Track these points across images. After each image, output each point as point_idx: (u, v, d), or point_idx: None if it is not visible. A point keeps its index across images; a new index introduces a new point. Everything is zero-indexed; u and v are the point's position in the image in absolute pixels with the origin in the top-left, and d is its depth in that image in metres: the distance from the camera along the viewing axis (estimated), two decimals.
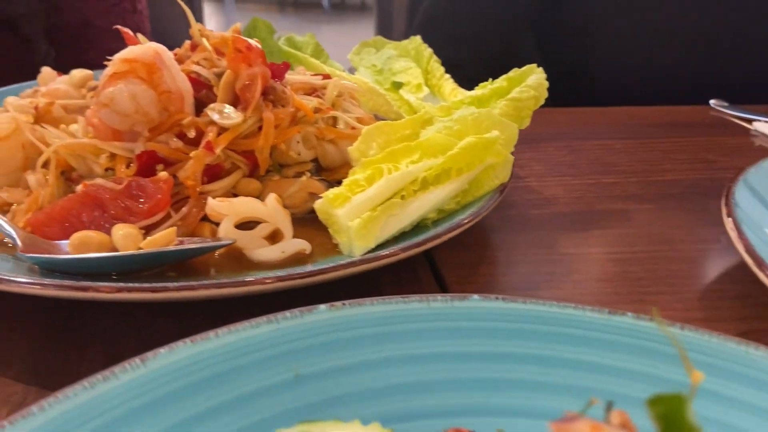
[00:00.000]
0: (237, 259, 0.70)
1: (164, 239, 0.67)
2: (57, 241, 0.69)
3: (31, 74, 1.59)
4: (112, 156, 0.76)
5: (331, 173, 0.84)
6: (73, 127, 0.82)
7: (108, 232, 0.71)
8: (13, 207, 0.75)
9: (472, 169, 0.75)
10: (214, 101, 0.80)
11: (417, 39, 1.18)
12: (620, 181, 1.05)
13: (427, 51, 1.16)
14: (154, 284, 0.56)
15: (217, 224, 0.74)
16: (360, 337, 0.52)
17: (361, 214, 0.69)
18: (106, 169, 0.76)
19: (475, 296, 0.54)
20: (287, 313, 0.52)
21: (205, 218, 0.74)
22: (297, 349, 0.51)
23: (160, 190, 0.72)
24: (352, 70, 1.19)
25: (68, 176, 0.79)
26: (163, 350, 0.47)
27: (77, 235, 0.67)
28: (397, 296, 0.55)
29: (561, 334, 0.52)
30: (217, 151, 0.75)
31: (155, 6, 2.00)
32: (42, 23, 1.61)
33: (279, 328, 0.51)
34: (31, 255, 0.63)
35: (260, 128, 0.79)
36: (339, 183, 0.82)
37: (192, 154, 0.74)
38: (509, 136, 0.79)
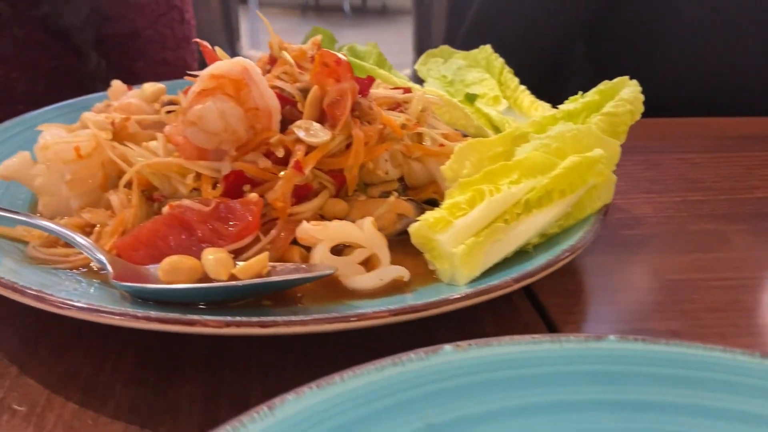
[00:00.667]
0: (330, 286, 0.67)
1: (257, 265, 0.64)
2: (146, 267, 0.66)
3: (84, 85, 1.58)
4: (197, 176, 0.73)
5: (417, 192, 0.80)
6: (152, 144, 0.79)
7: (196, 255, 0.68)
8: (96, 229, 0.72)
9: (576, 191, 0.71)
10: (298, 118, 0.77)
11: (487, 48, 1.14)
12: (708, 198, 0.99)
13: (499, 61, 1.11)
14: (263, 318, 0.53)
15: (306, 248, 0.70)
16: (491, 382, 0.48)
17: (464, 240, 0.65)
18: (192, 190, 0.73)
19: (611, 337, 0.50)
20: (412, 355, 0.48)
21: (293, 241, 0.70)
22: (425, 396, 0.47)
23: (251, 212, 0.69)
24: (416, 81, 1.15)
25: (149, 196, 0.76)
26: (290, 397, 0.44)
27: (169, 261, 0.64)
28: (525, 336, 0.51)
29: (713, 381, 0.48)
30: (307, 170, 0.72)
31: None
32: (93, 34, 1.60)
33: (404, 371, 0.47)
34: (126, 284, 0.60)
35: (348, 146, 0.75)
36: (427, 203, 0.79)
37: (281, 174, 0.71)
38: (611, 154, 0.75)
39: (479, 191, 0.68)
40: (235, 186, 0.72)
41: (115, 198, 0.74)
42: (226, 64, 0.72)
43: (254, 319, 0.53)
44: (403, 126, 0.79)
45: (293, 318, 0.53)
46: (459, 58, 1.15)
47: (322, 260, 0.65)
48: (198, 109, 0.70)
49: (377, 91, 0.85)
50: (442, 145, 0.80)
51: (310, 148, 0.74)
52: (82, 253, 0.69)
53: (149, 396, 0.57)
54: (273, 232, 0.70)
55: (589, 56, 1.85)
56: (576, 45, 1.84)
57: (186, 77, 0.81)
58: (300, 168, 0.72)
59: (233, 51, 3.21)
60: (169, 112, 0.88)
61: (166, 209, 0.71)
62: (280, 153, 0.72)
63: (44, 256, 0.68)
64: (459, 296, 0.57)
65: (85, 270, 0.68)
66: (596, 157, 0.72)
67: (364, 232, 0.66)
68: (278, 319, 0.53)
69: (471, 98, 1.04)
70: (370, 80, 0.82)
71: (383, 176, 0.77)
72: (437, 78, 1.12)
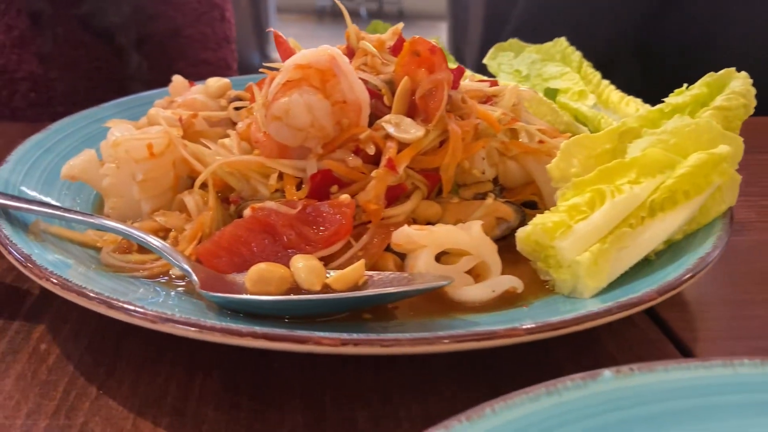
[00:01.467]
0: (431, 297, 0.60)
1: (354, 275, 0.58)
2: (230, 275, 0.60)
3: (125, 86, 1.53)
4: (280, 175, 0.67)
5: (513, 194, 0.74)
6: (226, 141, 0.73)
7: (281, 262, 0.61)
8: (172, 233, 0.66)
9: (701, 192, 0.64)
10: (384, 112, 0.70)
11: (562, 41, 1.07)
12: None
13: (576, 54, 1.04)
14: (383, 336, 0.46)
15: (399, 254, 0.64)
16: (662, 415, 0.41)
17: (587, 247, 0.58)
18: (274, 191, 0.67)
19: None
20: (567, 382, 0.41)
21: (386, 247, 0.64)
22: (589, 430, 0.40)
23: (343, 215, 0.62)
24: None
25: (224, 197, 0.70)
26: None
27: (257, 270, 0.57)
28: (690, 360, 0.44)
29: None
30: (400, 170, 0.65)
31: None
32: (135, 33, 1.55)
33: (561, 401, 0.41)
34: (216, 295, 0.54)
35: (442, 143, 0.69)
36: (527, 206, 0.72)
37: (373, 173, 0.65)
38: (735, 151, 0.67)
39: (599, 192, 0.61)
40: (322, 186, 0.66)
41: (190, 200, 0.68)
42: (313, 53, 0.66)
43: (373, 336, 0.46)
44: (500, 121, 0.72)
45: (418, 336, 0.47)
46: (531, 51, 1.08)
47: (429, 269, 0.59)
48: (284, 103, 0.64)
49: (465, 83, 0.78)
50: (541, 141, 0.73)
51: (401, 146, 0.67)
52: (159, 260, 0.63)
53: (246, 422, 0.51)
54: (365, 238, 0.64)
55: (637, 52, 1.77)
56: (626, 42, 1.76)
57: (264, 70, 0.75)
58: (393, 167, 0.65)
59: (263, 53, 3.17)
60: (237, 108, 0.82)
61: (247, 212, 0.65)
62: (371, 150, 0.66)
63: (120, 263, 0.62)
64: (600, 311, 0.50)
65: (165, 279, 0.62)
66: (723, 155, 0.64)
67: (472, 237, 0.59)
68: (401, 337, 0.46)
69: (551, 93, 0.97)
70: (460, 71, 0.75)
71: (479, 176, 0.70)
72: (510, 73, 1.05)
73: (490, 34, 2.32)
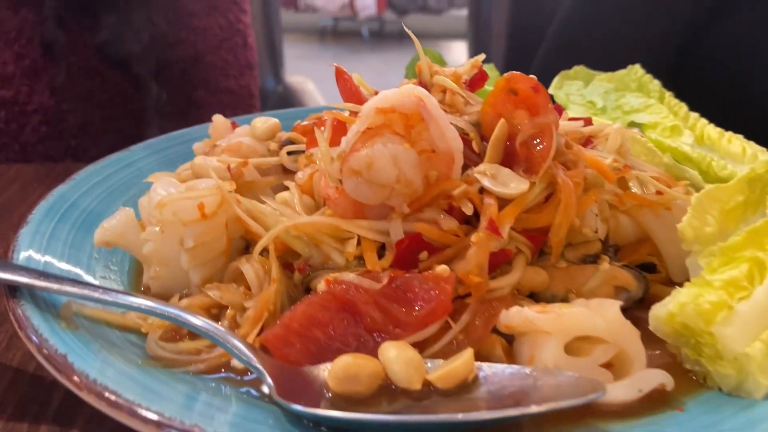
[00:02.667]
0: None
1: (463, 369, 0.47)
2: (307, 367, 0.49)
3: (143, 118, 1.43)
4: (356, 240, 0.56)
5: (625, 254, 0.62)
6: (285, 195, 0.62)
7: (365, 349, 0.50)
8: (229, 312, 0.55)
9: None
10: (473, 161, 0.59)
11: (637, 68, 0.97)
12: None
13: (656, 83, 0.94)
14: None
15: (504, 336, 0.53)
16: None
17: (757, 335, 0.46)
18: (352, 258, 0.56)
19: None
20: None
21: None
22: None
23: (442, 291, 0.51)
24: None
25: (285, 263, 0.59)
26: None
27: (342, 365, 0.46)
28: None
29: None
30: (504, 232, 0.54)
31: None
32: (154, 62, 1.46)
33: None
34: (302, 409, 0.43)
35: (547, 198, 0.58)
36: (646, 270, 0.61)
37: (473, 238, 0.53)
38: None
39: (757, 262, 0.50)
40: (409, 254, 0.55)
41: (249, 270, 0.56)
42: (396, 94, 0.55)
43: None
44: (612, 169, 0.61)
45: None
46: (603, 80, 0.98)
47: (557, 362, 0.47)
48: (365, 155, 0.53)
49: (561, 123, 0.67)
50: (659, 192, 0.62)
51: (501, 202, 0.56)
52: (215, 348, 0.52)
53: None
54: (465, 317, 0.52)
55: (676, 71, 1.67)
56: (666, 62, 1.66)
57: (325, 112, 0.64)
58: (496, 229, 0.54)
59: (277, 76, 3.08)
60: (291, 153, 0.72)
61: (321, 286, 0.53)
62: (468, 210, 0.55)
63: (170, 355, 0.51)
64: None
65: (222, 374, 0.50)
66: None
67: (609, 321, 0.48)
68: None
69: (633, 127, 0.86)
70: (559, 109, 0.64)
71: (590, 235, 0.59)
72: (582, 104, 0.94)
73: (513, 53, 2.22)
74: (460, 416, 0.41)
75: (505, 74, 0.59)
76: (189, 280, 0.59)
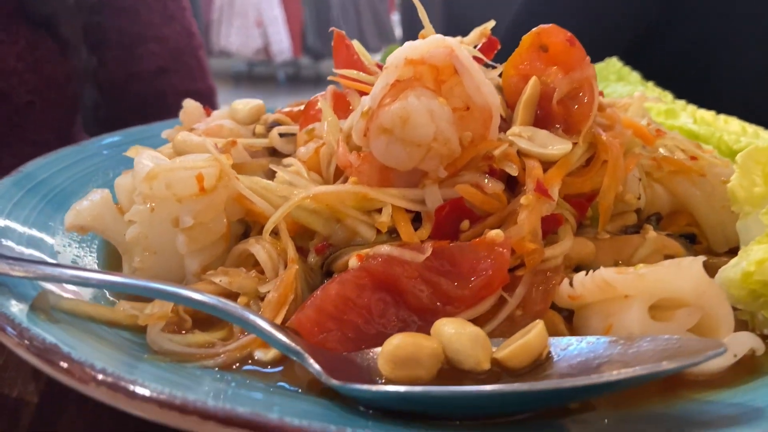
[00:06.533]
0: None
1: (536, 344, 0.40)
2: (351, 354, 0.40)
3: (79, 84, 1.30)
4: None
5: (664, 225, 0.58)
6: (288, 174, 0.54)
7: (410, 327, 0.43)
8: (241, 299, 0.46)
9: None
10: (501, 125, 0.53)
11: (615, 61, 0.96)
12: None
13: (635, 74, 0.93)
14: None
15: (564, 309, 0.46)
16: None
17: None
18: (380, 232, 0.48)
19: None
20: None
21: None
22: None
23: (497, 258, 0.44)
24: None
25: (298, 246, 0.50)
26: None
27: (395, 346, 0.38)
28: None
29: None
30: (554, 194, 0.48)
31: None
32: (80, 23, 1.35)
33: None
34: (363, 388, 0.35)
35: (588, 161, 0.52)
36: (690, 240, 0.56)
37: (523, 200, 0.47)
38: None
39: None
40: (449, 222, 0.48)
41: (260, 251, 0.47)
42: (426, 44, 0.48)
43: None
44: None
45: None
46: None
47: (643, 328, 0.41)
48: (398, 109, 0.46)
49: None
50: (693, 157, 0.58)
51: (543, 165, 0.50)
52: (231, 340, 0.42)
53: None
54: (521, 290, 0.46)
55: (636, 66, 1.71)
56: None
57: (333, 75, 0.57)
58: (545, 191, 0.48)
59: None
60: (283, 135, 0.63)
61: (353, 262, 0.45)
62: (513, 171, 0.49)
63: (179, 348, 0.41)
64: None
65: (237, 367, 0.41)
66: None
67: (695, 282, 0.42)
68: None
69: None
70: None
71: (634, 203, 0.54)
72: None
73: None
74: (579, 380, 0.34)
75: (534, 29, 0.54)
76: (183, 269, 0.49)
